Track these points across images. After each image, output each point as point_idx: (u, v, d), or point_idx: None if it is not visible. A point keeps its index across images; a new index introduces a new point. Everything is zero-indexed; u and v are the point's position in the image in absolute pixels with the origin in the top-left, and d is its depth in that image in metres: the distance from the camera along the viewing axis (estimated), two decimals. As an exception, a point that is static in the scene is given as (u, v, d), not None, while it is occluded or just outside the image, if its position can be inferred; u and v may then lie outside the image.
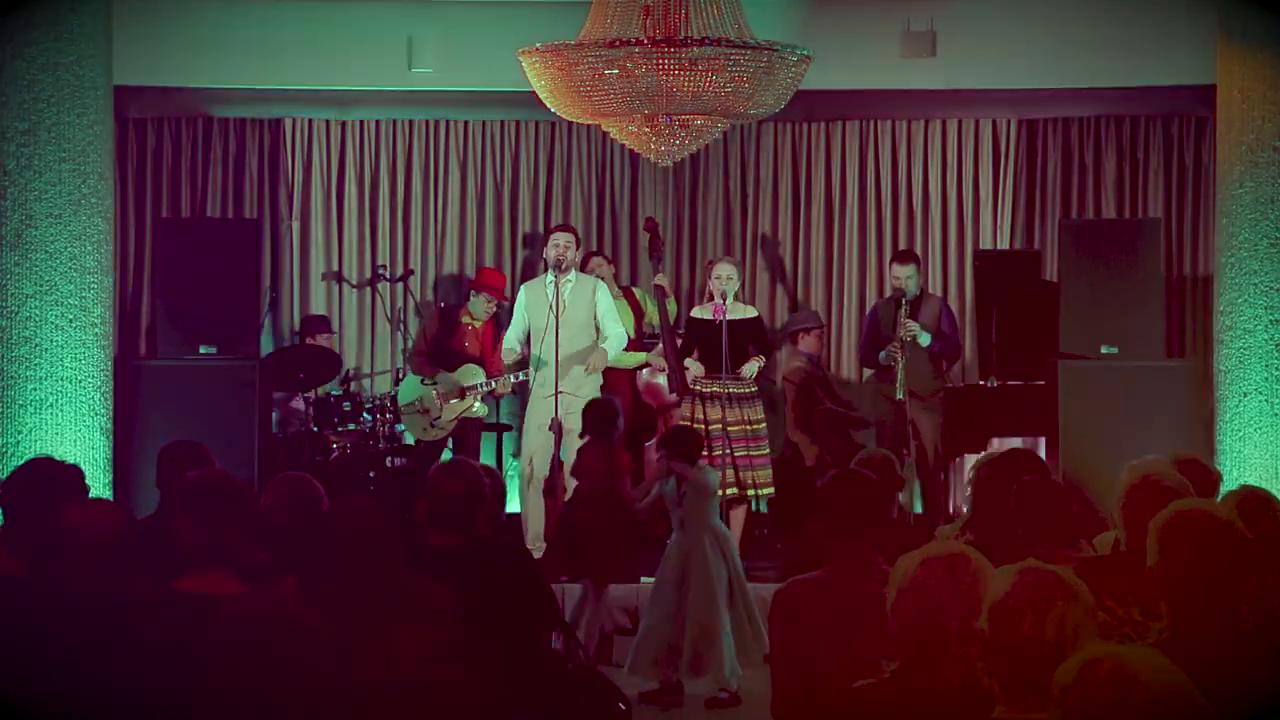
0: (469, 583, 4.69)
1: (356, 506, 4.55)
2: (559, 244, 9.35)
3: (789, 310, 11.40)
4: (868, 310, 10.58)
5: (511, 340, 9.52)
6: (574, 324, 9.23)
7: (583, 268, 9.87)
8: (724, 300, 9.18)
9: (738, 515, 9.21)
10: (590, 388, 9.30)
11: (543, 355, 9.22)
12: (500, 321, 10.25)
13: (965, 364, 10.96)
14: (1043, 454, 9.93)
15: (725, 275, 9.25)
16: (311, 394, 10.23)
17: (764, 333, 9.66)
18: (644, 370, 10.09)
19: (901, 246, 11.13)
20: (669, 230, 11.28)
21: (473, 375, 9.88)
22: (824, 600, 4.63)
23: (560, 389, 9.14)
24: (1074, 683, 2.72)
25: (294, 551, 4.71)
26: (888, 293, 10.30)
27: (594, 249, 10.80)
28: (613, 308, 9.50)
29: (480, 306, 10.07)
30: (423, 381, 9.92)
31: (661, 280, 9.93)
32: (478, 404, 9.94)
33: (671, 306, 10.14)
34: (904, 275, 9.85)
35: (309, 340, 10.61)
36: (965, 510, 7.56)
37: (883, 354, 9.77)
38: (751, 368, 9.24)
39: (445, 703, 3.64)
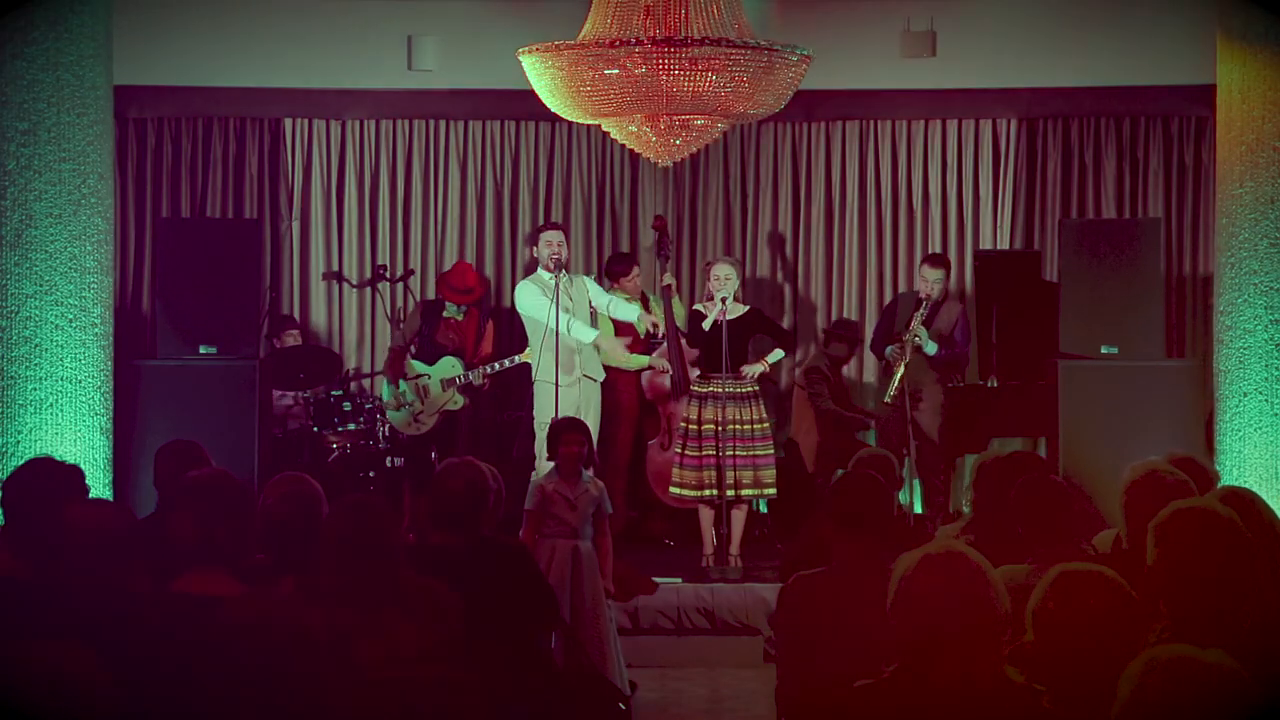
0: (469, 582, 4.70)
1: (359, 504, 4.55)
2: (553, 242, 9.41)
3: (793, 310, 11.40)
4: (889, 300, 10.75)
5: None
6: (578, 319, 9.40)
7: (618, 279, 10.12)
8: (723, 302, 9.18)
9: (738, 516, 9.20)
10: (597, 371, 9.55)
11: (543, 355, 9.24)
12: (482, 312, 10.30)
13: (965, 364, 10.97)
14: (1043, 454, 9.95)
15: (724, 276, 9.23)
16: (307, 393, 10.23)
17: (772, 322, 9.62)
18: (647, 370, 10.09)
19: (901, 246, 11.18)
20: (670, 230, 11.28)
21: (450, 368, 9.92)
22: (828, 595, 4.70)
23: (564, 382, 9.23)
24: (1143, 681, 2.75)
25: (294, 551, 4.71)
26: (899, 290, 10.33)
27: (636, 260, 10.71)
28: (601, 292, 9.69)
29: (452, 306, 10.12)
30: (404, 376, 9.97)
31: (669, 280, 9.94)
32: (458, 396, 9.98)
33: (678, 307, 10.15)
34: (932, 279, 9.90)
35: (276, 342, 10.60)
36: (965, 510, 7.56)
37: (888, 350, 9.81)
38: (756, 368, 9.23)
39: (445, 702, 3.64)
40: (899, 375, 9.59)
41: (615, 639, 7.55)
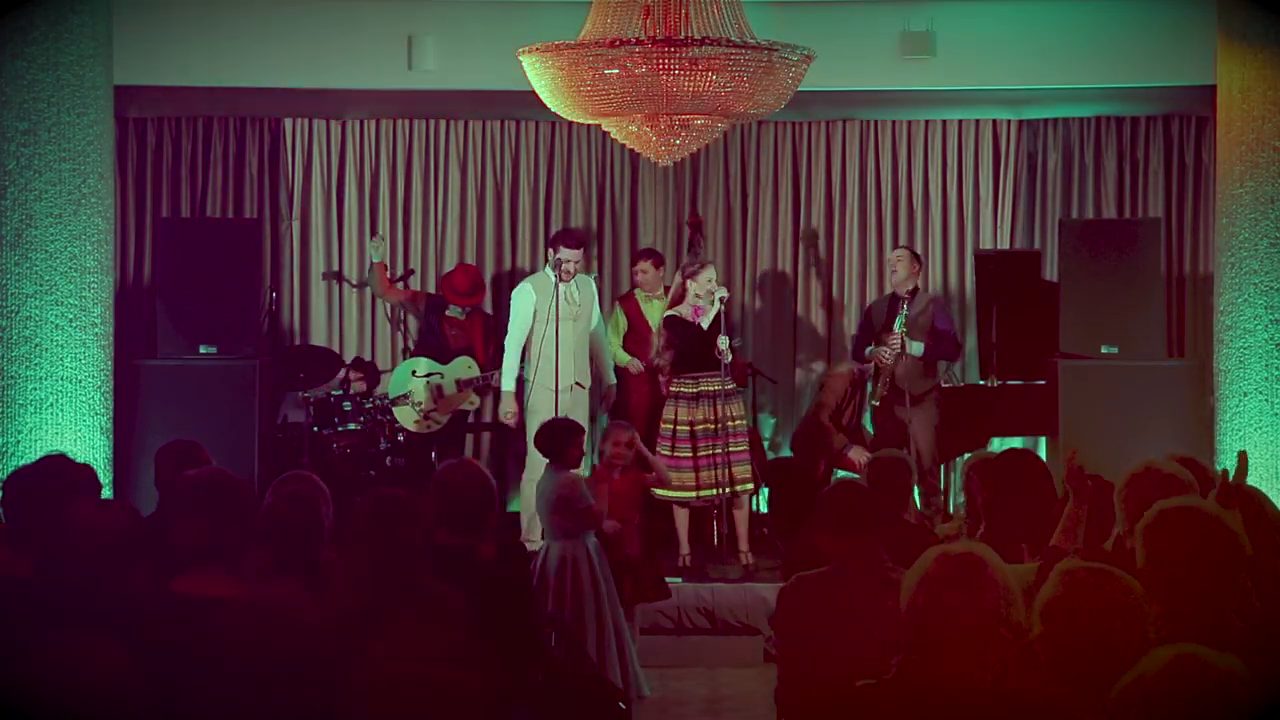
0: (471, 582, 4.70)
1: (385, 498, 4.55)
2: (570, 260, 9.33)
3: (792, 310, 11.39)
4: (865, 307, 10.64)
5: (516, 346, 9.48)
6: (583, 321, 9.50)
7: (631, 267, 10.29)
8: (721, 302, 9.18)
9: (740, 516, 9.19)
10: (586, 379, 9.53)
11: (543, 353, 9.24)
12: (485, 312, 10.34)
13: (965, 364, 10.96)
14: (1043, 454, 9.95)
15: (716, 279, 9.27)
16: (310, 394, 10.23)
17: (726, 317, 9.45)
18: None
19: (902, 245, 11.15)
20: (669, 230, 11.30)
21: (466, 369, 9.92)
22: (828, 596, 4.73)
23: (564, 385, 9.25)
24: (1153, 677, 2.77)
25: (295, 551, 4.71)
26: (887, 289, 10.30)
27: (643, 254, 10.63)
28: (595, 303, 9.74)
29: (455, 306, 10.15)
30: (414, 373, 9.94)
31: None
32: (474, 396, 10.00)
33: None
34: (892, 258, 10.00)
35: (345, 385, 10.51)
36: (961, 510, 7.55)
37: (867, 351, 9.81)
38: (727, 349, 9.12)
39: (445, 702, 3.64)
40: (882, 381, 9.59)
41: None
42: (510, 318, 9.56)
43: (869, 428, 10.32)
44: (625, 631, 7.55)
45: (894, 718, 3.31)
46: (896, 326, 9.64)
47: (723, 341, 9.05)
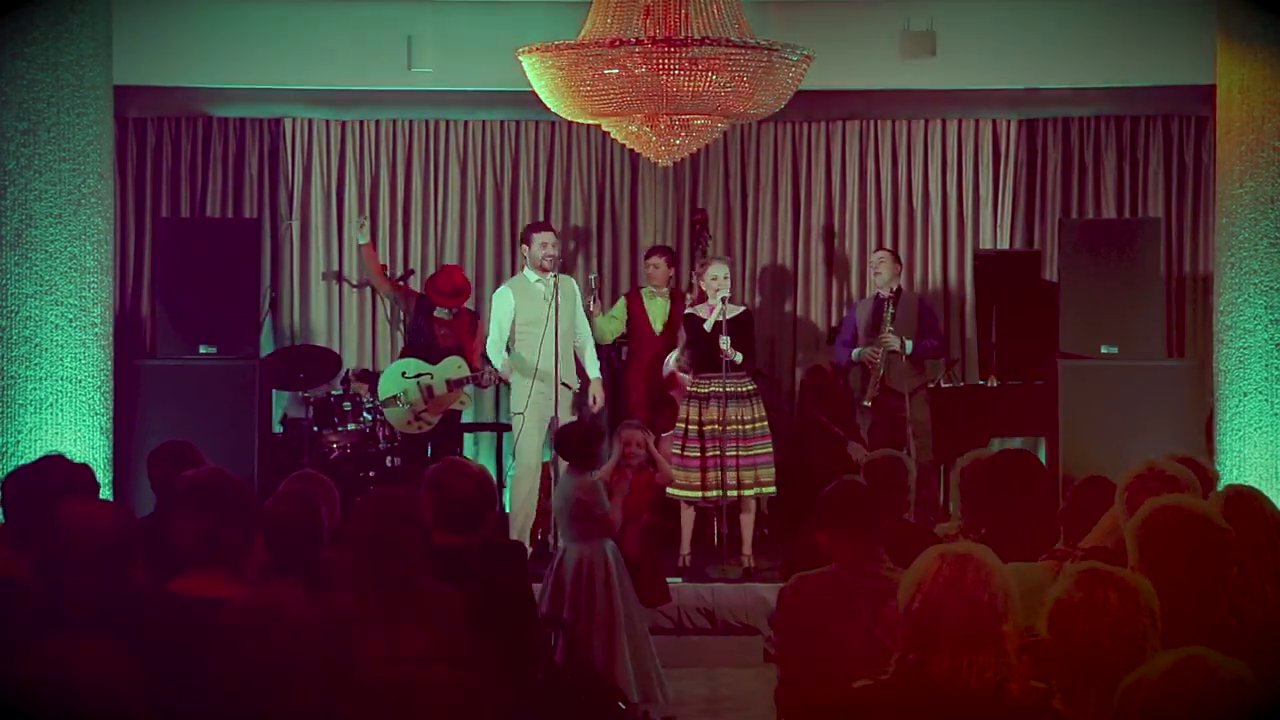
0: (471, 582, 4.71)
1: (385, 497, 4.56)
2: (547, 244, 9.38)
3: (792, 311, 11.39)
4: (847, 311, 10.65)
5: (498, 349, 9.47)
6: (566, 321, 9.37)
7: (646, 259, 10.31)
8: (724, 301, 9.18)
9: (746, 520, 9.20)
10: (572, 378, 9.49)
11: (542, 353, 9.22)
12: (472, 311, 10.33)
13: (965, 364, 10.96)
14: (1042, 454, 9.95)
15: (723, 276, 9.25)
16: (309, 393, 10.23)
17: (749, 331, 9.48)
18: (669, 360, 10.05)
19: (901, 246, 11.15)
20: (669, 230, 11.30)
21: (455, 369, 9.89)
22: (828, 595, 4.73)
23: (541, 389, 9.23)
24: (1156, 680, 2.77)
25: (294, 551, 4.71)
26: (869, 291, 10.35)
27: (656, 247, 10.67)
28: (579, 301, 9.66)
29: (442, 309, 10.12)
30: (404, 374, 9.89)
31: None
32: (464, 396, 9.99)
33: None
34: (874, 260, 10.05)
35: (345, 385, 10.51)
36: (956, 509, 7.56)
37: (855, 351, 9.81)
38: (731, 349, 9.13)
39: (445, 703, 3.64)
40: (874, 381, 9.59)
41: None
42: (490, 322, 9.56)
43: (863, 428, 10.34)
44: (646, 636, 7.52)
45: (893, 718, 3.31)
46: (886, 326, 9.66)
47: (724, 342, 9.05)
